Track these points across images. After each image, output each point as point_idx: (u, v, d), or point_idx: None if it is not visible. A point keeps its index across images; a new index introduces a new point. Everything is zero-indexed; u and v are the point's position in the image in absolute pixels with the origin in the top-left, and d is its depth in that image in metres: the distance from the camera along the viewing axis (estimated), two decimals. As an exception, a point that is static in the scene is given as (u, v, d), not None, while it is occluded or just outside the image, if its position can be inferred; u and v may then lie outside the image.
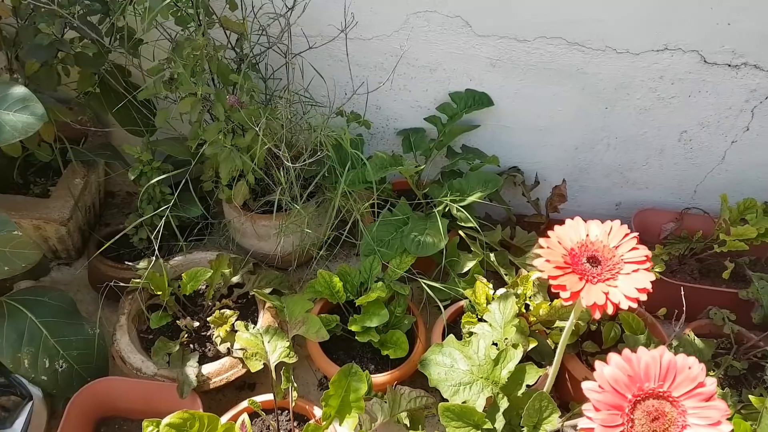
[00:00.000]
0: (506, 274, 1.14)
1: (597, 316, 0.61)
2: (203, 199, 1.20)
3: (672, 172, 1.24)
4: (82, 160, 1.19)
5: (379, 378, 1.03)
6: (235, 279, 1.11)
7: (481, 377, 0.88)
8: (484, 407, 0.86)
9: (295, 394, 0.95)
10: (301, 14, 1.03)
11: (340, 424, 0.86)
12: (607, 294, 0.61)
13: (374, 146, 1.30)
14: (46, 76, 1.05)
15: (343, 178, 1.05)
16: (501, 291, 1.04)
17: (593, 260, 0.64)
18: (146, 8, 0.91)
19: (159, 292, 1.03)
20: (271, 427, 0.97)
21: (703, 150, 1.20)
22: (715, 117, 1.15)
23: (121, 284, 1.03)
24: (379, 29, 1.10)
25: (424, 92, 1.19)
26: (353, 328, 1.05)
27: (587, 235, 0.66)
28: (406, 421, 0.93)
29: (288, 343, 0.97)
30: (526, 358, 1.01)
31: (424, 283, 1.08)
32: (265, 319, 1.07)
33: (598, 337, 1.07)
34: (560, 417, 0.85)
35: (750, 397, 0.90)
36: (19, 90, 0.94)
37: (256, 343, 0.96)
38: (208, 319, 1.03)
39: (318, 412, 0.96)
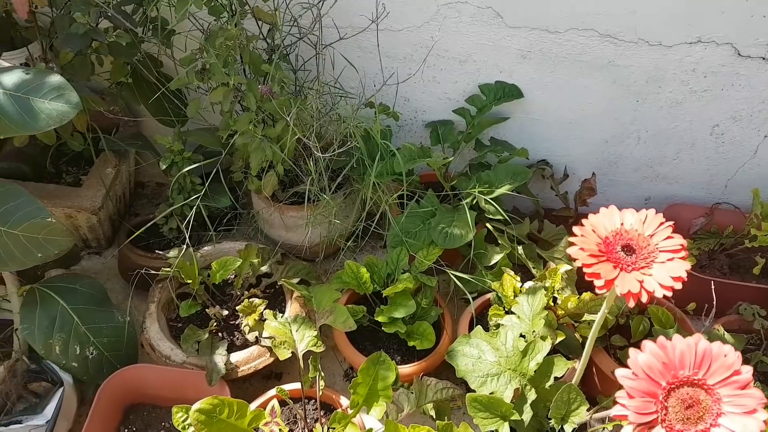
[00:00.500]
0: (534, 268, 1.14)
1: (631, 304, 0.61)
2: (232, 189, 1.21)
3: (703, 166, 1.22)
4: (113, 150, 1.21)
5: (405, 369, 1.03)
6: (263, 269, 1.12)
7: (509, 369, 0.88)
8: (512, 398, 0.85)
9: (322, 383, 0.96)
10: (333, 5, 1.03)
11: (367, 413, 0.86)
12: (641, 282, 0.60)
13: (402, 138, 1.30)
14: (80, 65, 1.07)
15: (373, 169, 1.05)
16: (529, 284, 1.03)
17: (628, 249, 0.63)
18: (181, -2, 0.92)
19: (189, 281, 1.04)
20: (298, 416, 0.98)
21: (735, 144, 1.18)
22: (748, 111, 1.13)
23: (152, 272, 1.04)
24: (410, 20, 1.10)
25: (453, 84, 1.19)
26: (380, 318, 1.05)
27: (622, 224, 0.66)
28: (432, 413, 0.93)
29: (316, 332, 0.97)
30: (554, 351, 1.00)
31: (452, 274, 1.08)
32: (293, 308, 1.08)
33: (627, 331, 1.06)
34: (588, 410, 0.84)
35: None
36: (55, 78, 0.95)
37: (284, 332, 0.96)
38: (236, 307, 1.04)
39: (344, 401, 0.96)
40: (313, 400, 1.00)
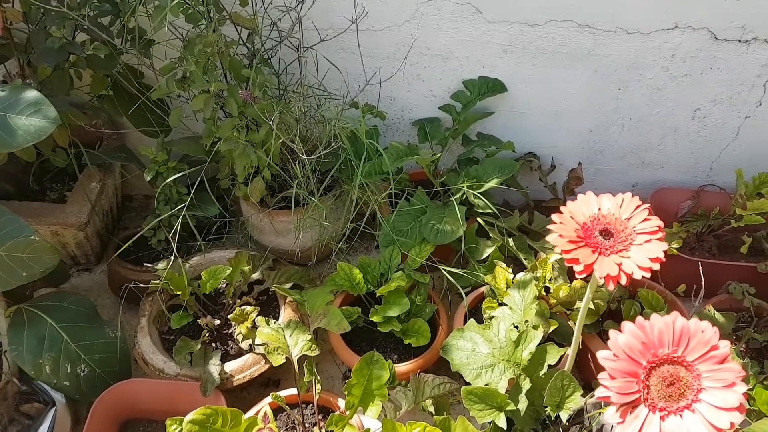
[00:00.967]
0: (525, 259, 1.14)
1: (611, 287, 0.61)
2: (221, 197, 1.20)
3: (687, 150, 1.24)
4: (97, 164, 1.20)
5: (402, 367, 1.03)
6: (254, 276, 1.11)
7: (503, 359, 0.88)
8: (507, 389, 0.86)
9: (318, 386, 0.95)
10: (311, 7, 1.03)
11: (364, 413, 0.86)
12: (620, 265, 0.61)
13: (389, 137, 1.30)
14: (58, 80, 1.05)
15: (360, 169, 1.04)
16: (520, 275, 1.04)
17: (606, 233, 0.64)
18: (156, 7, 0.91)
19: (179, 292, 1.02)
20: (296, 421, 0.97)
21: (717, 127, 1.19)
22: (728, 93, 1.14)
23: (141, 286, 1.03)
24: (390, 19, 1.10)
25: (437, 81, 1.19)
26: (375, 318, 1.05)
27: (599, 209, 0.66)
28: (432, 409, 0.92)
29: (310, 336, 0.97)
30: (548, 340, 1.01)
31: (445, 270, 1.08)
32: (286, 313, 1.07)
33: (619, 316, 1.07)
34: (583, 396, 0.84)
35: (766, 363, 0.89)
36: (31, 94, 0.94)
37: (277, 338, 0.95)
38: (228, 316, 1.03)
39: (342, 403, 0.96)
40: (311, 405, 0.99)
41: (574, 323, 1.04)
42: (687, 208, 1.22)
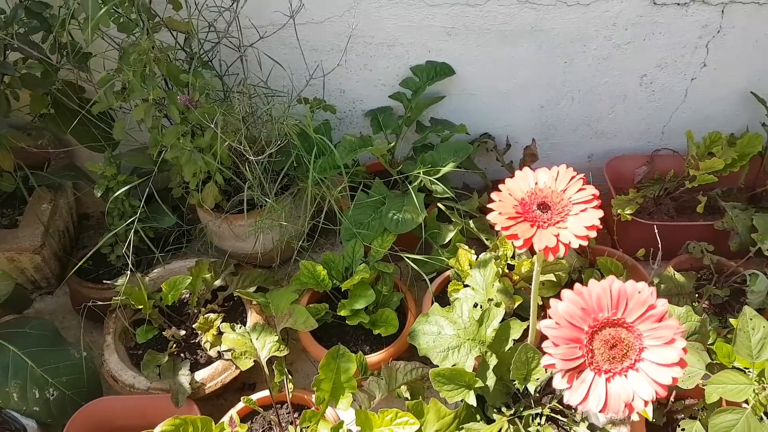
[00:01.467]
0: (487, 239, 1.15)
1: (550, 258, 0.62)
2: (177, 207, 1.18)
3: (638, 116, 1.25)
4: (47, 185, 1.17)
5: (373, 357, 1.03)
6: (217, 282, 1.10)
7: (468, 339, 0.89)
8: (474, 367, 0.86)
9: (291, 386, 0.95)
10: (243, 4, 1.01)
11: (335, 406, 0.86)
12: (557, 236, 0.62)
13: (343, 130, 1.29)
14: (-6, 102, 1.03)
15: (312, 165, 1.04)
16: (482, 256, 1.04)
17: (543, 206, 0.65)
18: (85, 19, 0.89)
19: (140, 307, 1.01)
20: (272, 422, 0.97)
21: (665, 91, 1.20)
22: (672, 57, 1.16)
23: (101, 304, 1.02)
24: (330, 10, 1.09)
25: (385, 69, 1.18)
26: (342, 312, 1.05)
27: (536, 183, 0.67)
28: (407, 394, 0.93)
29: (277, 338, 0.96)
30: (515, 315, 1.02)
31: (407, 258, 1.08)
32: (252, 317, 1.06)
33: (581, 286, 1.08)
34: (550, 366, 0.86)
35: (731, 320, 0.92)
36: (-35, 119, 0.92)
37: (243, 342, 0.95)
38: (193, 326, 1.02)
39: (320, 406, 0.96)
40: (287, 404, 0.99)
41: (540, 297, 1.05)
42: (643, 174, 1.24)
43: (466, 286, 1.04)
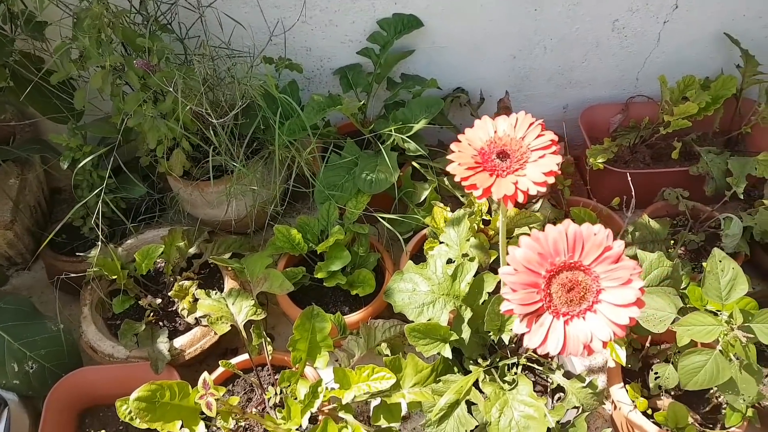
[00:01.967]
0: (463, 196, 1.14)
1: (510, 206, 0.61)
2: (147, 177, 1.17)
3: (612, 63, 1.23)
4: (13, 160, 1.15)
5: (351, 317, 1.04)
6: (192, 250, 1.10)
7: (442, 294, 0.89)
8: (449, 321, 0.87)
9: (270, 348, 0.96)
10: (198, -38, 0.97)
11: (313, 365, 0.87)
12: (516, 184, 0.61)
13: (314, 91, 1.27)
14: (-51, 77, 1.00)
15: (278, 127, 1.02)
16: (456, 212, 1.04)
17: (503, 155, 0.64)
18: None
19: (114, 277, 1.01)
20: (253, 384, 0.98)
21: (638, 36, 1.18)
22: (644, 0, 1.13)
23: (75, 276, 1.01)
24: (287, -36, 1.06)
25: (351, 25, 1.15)
26: (319, 275, 1.05)
27: (495, 132, 0.66)
28: (387, 352, 0.94)
29: (253, 302, 0.96)
30: (493, 270, 1.02)
31: (381, 218, 1.07)
32: (229, 283, 1.06)
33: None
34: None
35: (703, 264, 0.92)
36: None
37: (219, 308, 0.95)
38: (169, 294, 1.02)
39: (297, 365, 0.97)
40: (267, 366, 1.00)
41: (515, 250, 1.06)
42: (618, 122, 1.23)
43: (441, 243, 1.04)
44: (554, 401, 0.95)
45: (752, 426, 0.93)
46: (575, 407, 0.88)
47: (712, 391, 0.99)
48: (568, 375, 0.92)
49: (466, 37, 1.17)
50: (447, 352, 0.87)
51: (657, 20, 1.16)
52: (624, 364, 0.98)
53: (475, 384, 0.86)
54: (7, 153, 1.12)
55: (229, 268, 1.06)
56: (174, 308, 1.06)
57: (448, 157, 0.65)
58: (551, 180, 0.62)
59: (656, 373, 0.93)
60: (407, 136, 1.10)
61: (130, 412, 0.80)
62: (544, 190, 0.62)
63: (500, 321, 0.87)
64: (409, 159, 1.16)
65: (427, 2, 1.12)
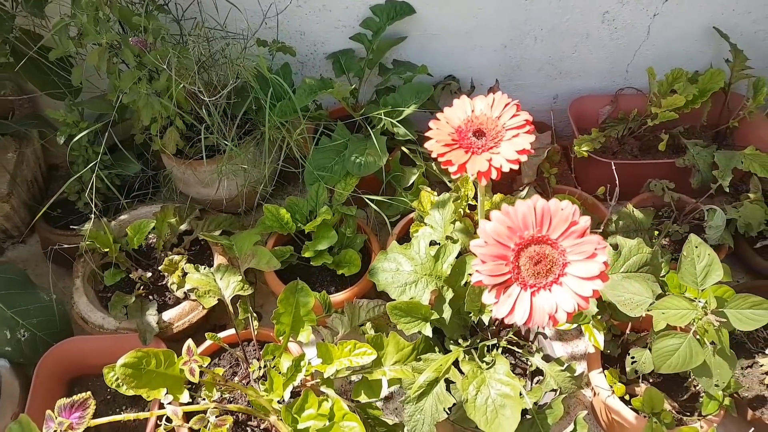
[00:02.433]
0: (450, 181, 1.16)
1: (483, 183, 0.63)
2: (142, 155, 1.19)
3: (602, 55, 1.24)
4: (11, 134, 1.17)
5: (337, 296, 1.06)
6: (183, 227, 1.12)
7: (425, 274, 0.91)
8: (431, 301, 0.89)
9: (256, 323, 0.98)
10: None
11: (296, 339, 0.89)
12: (489, 161, 0.63)
13: (306, 74, 1.28)
14: (-50, 51, 1.02)
15: (269, 108, 1.04)
16: (442, 196, 1.06)
17: (479, 133, 0.65)
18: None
19: (106, 250, 1.03)
20: (239, 358, 1.00)
21: (628, 28, 1.19)
22: (634, -9, 1.14)
23: (68, 247, 1.04)
24: (283, -52, 1.07)
25: (344, 10, 1.17)
26: (306, 254, 1.07)
27: (473, 111, 0.68)
28: (371, 331, 0.96)
29: (240, 277, 0.99)
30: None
31: (369, 200, 1.09)
32: (218, 259, 1.09)
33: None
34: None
35: (682, 253, 0.93)
36: None
37: (207, 282, 0.97)
38: (159, 268, 1.04)
39: (281, 338, 0.99)
40: (252, 341, 1.03)
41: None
42: (607, 113, 1.24)
43: (426, 225, 1.06)
44: (533, 384, 0.97)
45: (729, 415, 0.95)
46: (553, 390, 0.89)
47: (690, 379, 1.01)
48: (547, 359, 0.94)
49: (458, 25, 1.19)
50: (428, 331, 0.89)
51: (647, 13, 1.17)
52: (602, 349, 0.99)
53: (455, 364, 0.88)
54: (5, 127, 1.15)
55: (219, 245, 1.08)
56: (164, 283, 1.08)
57: (427, 134, 0.67)
58: (524, 158, 0.63)
59: (633, 357, 0.95)
60: (397, 121, 1.12)
61: (116, 379, 0.83)
62: (516, 167, 0.63)
63: (480, 302, 0.89)
64: (399, 144, 1.18)
65: (421, -11, 1.14)
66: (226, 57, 1.03)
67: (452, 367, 0.87)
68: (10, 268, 1.02)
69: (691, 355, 0.83)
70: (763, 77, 1.16)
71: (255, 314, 0.99)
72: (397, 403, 1.09)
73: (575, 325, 1.01)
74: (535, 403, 0.88)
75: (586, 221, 0.59)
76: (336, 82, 1.14)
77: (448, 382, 0.87)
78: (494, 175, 0.63)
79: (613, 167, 1.03)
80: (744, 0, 1.16)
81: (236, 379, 0.98)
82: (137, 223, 1.04)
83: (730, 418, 0.98)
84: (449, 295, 0.90)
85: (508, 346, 0.93)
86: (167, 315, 1.02)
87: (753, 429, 0.96)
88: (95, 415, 0.72)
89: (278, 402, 0.84)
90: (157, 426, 0.86)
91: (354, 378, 0.97)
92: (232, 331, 1.00)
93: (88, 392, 0.74)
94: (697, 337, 0.83)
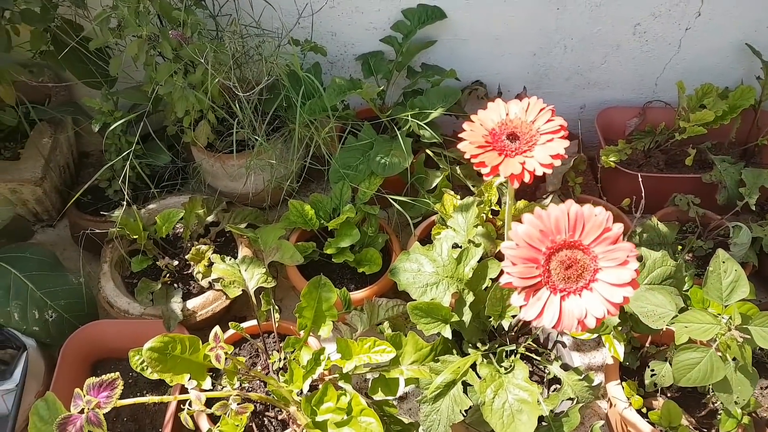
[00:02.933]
0: (473, 186, 1.17)
1: (515, 185, 0.64)
2: (172, 146, 1.22)
3: (631, 67, 1.24)
4: (48, 120, 1.21)
5: (357, 294, 1.07)
6: (210, 218, 1.14)
7: (447, 276, 0.92)
8: (451, 304, 0.89)
9: (277, 315, 0.99)
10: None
11: (317, 334, 0.90)
12: (523, 164, 0.63)
13: (335, 74, 1.30)
14: (-5, 37, 1.05)
15: (299, 106, 1.06)
16: (465, 200, 1.06)
17: (512, 136, 0.66)
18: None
19: (135, 237, 1.06)
20: (259, 349, 1.02)
21: (659, 41, 1.19)
22: (666, 5, 1.14)
23: (99, 232, 1.06)
24: (321, -50, 1.09)
25: (376, 13, 1.19)
26: (328, 251, 1.09)
27: (507, 114, 0.68)
28: (389, 331, 0.97)
29: (264, 270, 1.00)
30: (498, 259, 1.04)
31: (392, 199, 1.11)
32: (242, 251, 1.10)
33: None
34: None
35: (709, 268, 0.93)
36: (-35, 50, 0.95)
37: (232, 272, 0.99)
38: (186, 257, 1.06)
39: (302, 332, 1.00)
40: (273, 334, 1.04)
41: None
42: (634, 126, 1.24)
43: (449, 228, 1.07)
44: (549, 392, 0.97)
45: (746, 434, 0.94)
46: (570, 398, 0.89)
47: (708, 396, 1.00)
48: (565, 368, 0.94)
49: (488, 31, 1.20)
50: (447, 333, 0.90)
51: (679, 27, 1.17)
52: (621, 360, 0.99)
53: (473, 367, 0.88)
54: (43, 113, 1.18)
55: (244, 237, 1.10)
56: (189, 272, 1.10)
57: (460, 135, 0.68)
58: (557, 163, 0.64)
59: (653, 369, 0.94)
60: (423, 123, 1.13)
61: (142, 362, 0.85)
62: (549, 171, 0.64)
63: (501, 306, 0.89)
64: (424, 146, 1.19)
65: (453, -6, 1.15)
66: (260, 54, 1.05)
67: (470, 370, 0.87)
68: (41, 250, 1.05)
69: (712, 369, 0.83)
70: (794, 96, 1.15)
71: (276, 307, 1.00)
72: (412, 404, 1.09)
73: (594, 336, 1.00)
74: (552, 411, 0.88)
75: (619, 228, 0.59)
76: (365, 83, 1.15)
77: (465, 385, 0.88)
78: (527, 178, 0.64)
79: (640, 179, 1.02)
80: (778, 17, 1.16)
81: (257, 368, 0.99)
82: (166, 212, 1.06)
83: (748, 437, 0.97)
84: (470, 298, 0.91)
85: (526, 353, 0.93)
86: (191, 303, 1.04)
87: (771, 449, 0.95)
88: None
89: (297, 393, 0.86)
90: (179, 410, 0.88)
91: (369, 376, 0.98)
92: (253, 323, 1.02)
93: (117, 373, 0.75)
94: (719, 352, 0.82)
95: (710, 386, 0.93)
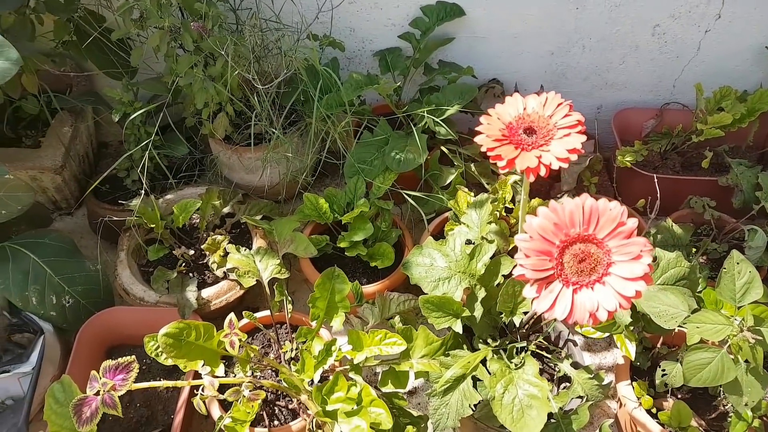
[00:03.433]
0: (488, 183, 1.17)
1: (531, 179, 0.64)
2: (190, 138, 1.23)
3: (649, 68, 1.24)
4: (68, 109, 1.23)
5: (369, 288, 1.08)
6: (226, 210, 1.15)
7: (459, 271, 0.92)
8: (462, 298, 0.90)
9: (290, 306, 1.00)
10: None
11: (329, 324, 0.91)
12: (539, 158, 0.64)
13: (353, 70, 1.31)
14: (20, 26, 1.07)
15: (317, 100, 1.07)
16: (479, 196, 1.07)
17: (529, 131, 0.66)
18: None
19: (152, 225, 1.07)
20: (271, 339, 1.03)
21: (678, 42, 1.19)
22: (686, 6, 1.13)
23: (116, 220, 1.08)
24: (341, -54, 1.10)
25: (395, 9, 1.19)
26: (342, 244, 1.10)
27: (524, 109, 0.69)
28: (400, 325, 0.98)
29: (279, 261, 1.01)
30: (511, 256, 1.04)
31: (406, 194, 1.11)
32: (257, 242, 1.12)
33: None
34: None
35: (723, 268, 0.92)
36: (-8, 38, 0.96)
37: (247, 263, 1.00)
38: (202, 246, 1.08)
39: (314, 322, 1.01)
40: (286, 325, 1.05)
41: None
42: (650, 127, 1.24)
43: (462, 224, 1.07)
44: (559, 389, 0.97)
45: (757, 437, 0.93)
46: (579, 396, 0.89)
47: (719, 398, 0.99)
48: (575, 366, 0.94)
49: (506, 29, 1.20)
50: (458, 327, 0.90)
51: (698, 28, 1.16)
52: (633, 359, 0.99)
53: (483, 363, 0.89)
54: (64, 101, 1.20)
55: (260, 228, 1.11)
56: (204, 261, 1.11)
57: (477, 128, 0.69)
58: (574, 157, 0.64)
59: (663, 369, 0.94)
60: (439, 120, 1.14)
61: (157, 348, 0.86)
62: (566, 165, 0.64)
63: (513, 303, 0.90)
64: (439, 143, 1.19)
65: (472, -8, 1.15)
66: (279, 48, 1.06)
67: (480, 365, 0.88)
68: (60, 237, 1.07)
69: (722, 370, 0.82)
70: (814, 100, 1.14)
71: (289, 298, 1.01)
72: (421, 399, 1.10)
73: (605, 336, 1.00)
74: (561, 408, 0.88)
75: (633, 223, 0.59)
76: (382, 79, 1.16)
77: (475, 380, 0.88)
78: (543, 171, 0.64)
79: (656, 181, 1.02)
80: (800, 21, 1.15)
81: (270, 357, 1.00)
82: (183, 203, 1.08)
83: (758, 441, 0.97)
84: (481, 294, 0.91)
85: (537, 351, 0.93)
86: (206, 292, 1.05)
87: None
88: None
89: (308, 383, 0.87)
90: (192, 396, 0.89)
91: (379, 369, 0.99)
92: (266, 313, 1.03)
93: (132, 356, 0.77)
94: (731, 354, 0.82)
95: (721, 388, 0.93)
